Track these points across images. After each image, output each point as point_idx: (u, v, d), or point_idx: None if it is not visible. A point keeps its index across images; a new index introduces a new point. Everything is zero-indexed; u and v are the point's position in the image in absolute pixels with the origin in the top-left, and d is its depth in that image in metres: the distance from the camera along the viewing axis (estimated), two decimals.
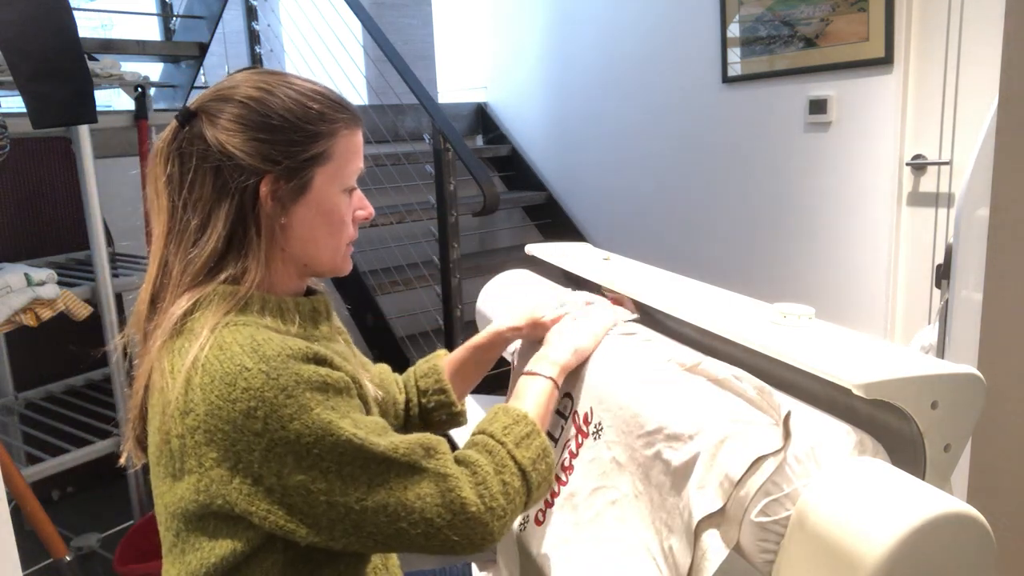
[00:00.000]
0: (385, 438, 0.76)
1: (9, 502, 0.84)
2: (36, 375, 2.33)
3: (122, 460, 0.87)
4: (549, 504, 0.97)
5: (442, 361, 1.12)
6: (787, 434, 0.70)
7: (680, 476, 0.77)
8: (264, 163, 0.81)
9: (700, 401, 0.80)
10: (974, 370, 0.72)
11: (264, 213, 0.82)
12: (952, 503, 0.60)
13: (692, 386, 0.82)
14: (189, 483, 0.74)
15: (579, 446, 0.95)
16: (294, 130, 0.82)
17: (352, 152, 0.87)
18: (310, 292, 0.93)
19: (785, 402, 0.75)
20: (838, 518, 0.62)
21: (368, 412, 0.81)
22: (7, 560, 0.68)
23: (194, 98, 0.85)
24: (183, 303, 0.79)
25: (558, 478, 0.96)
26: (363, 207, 0.91)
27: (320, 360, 0.76)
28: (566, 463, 0.96)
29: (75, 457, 1.87)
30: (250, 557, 0.76)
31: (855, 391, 0.68)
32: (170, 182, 0.82)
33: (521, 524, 1.00)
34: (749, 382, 0.78)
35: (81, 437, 1.97)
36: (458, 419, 1.12)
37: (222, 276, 0.80)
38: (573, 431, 0.96)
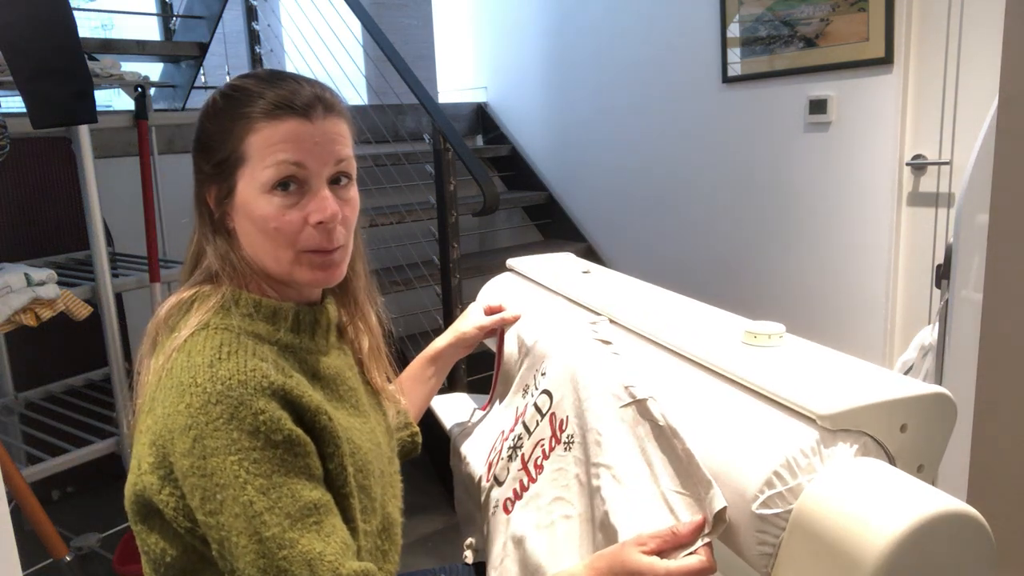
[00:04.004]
0: (289, 530, 0.69)
1: (9, 502, 0.84)
2: (36, 375, 2.33)
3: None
4: (518, 496, 0.97)
5: None
6: (719, 521, 0.70)
7: (608, 523, 0.80)
8: (198, 174, 0.82)
9: (647, 454, 0.80)
10: (943, 390, 0.71)
11: (216, 219, 0.83)
12: (952, 503, 0.60)
13: (642, 433, 0.82)
14: (129, 481, 0.75)
15: (551, 449, 0.95)
16: (207, 135, 0.81)
17: (267, 147, 0.77)
18: (326, 298, 0.90)
19: (770, 414, 0.74)
20: (838, 516, 0.62)
21: (332, 456, 0.76)
22: (7, 560, 0.68)
23: None
24: (172, 300, 0.81)
25: (528, 474, 0.97)
26: (318, 209, 0.78)
27: (280, 395, 0.72)
28: (538, 461, 0.96)
29: (75, 457, 1.87)
30: (206, 561, 0.74)
31: (820, 422, 0.68)
32: None
33: (493, 509, 1.01)
34: (681, 442, 0.77)
35: (81, 437, 1.97)
36: (416, 440, 1.12)
37: (201, 277, 0.82)
38: (548, 432, 0.96)
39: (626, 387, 0.86)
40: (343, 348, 0.93)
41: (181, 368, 0.73)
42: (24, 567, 1.03)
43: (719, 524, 0.70)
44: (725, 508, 0.70)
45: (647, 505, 0.77)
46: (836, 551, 0.61)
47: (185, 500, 0.71)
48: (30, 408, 2.24)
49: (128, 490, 0.76)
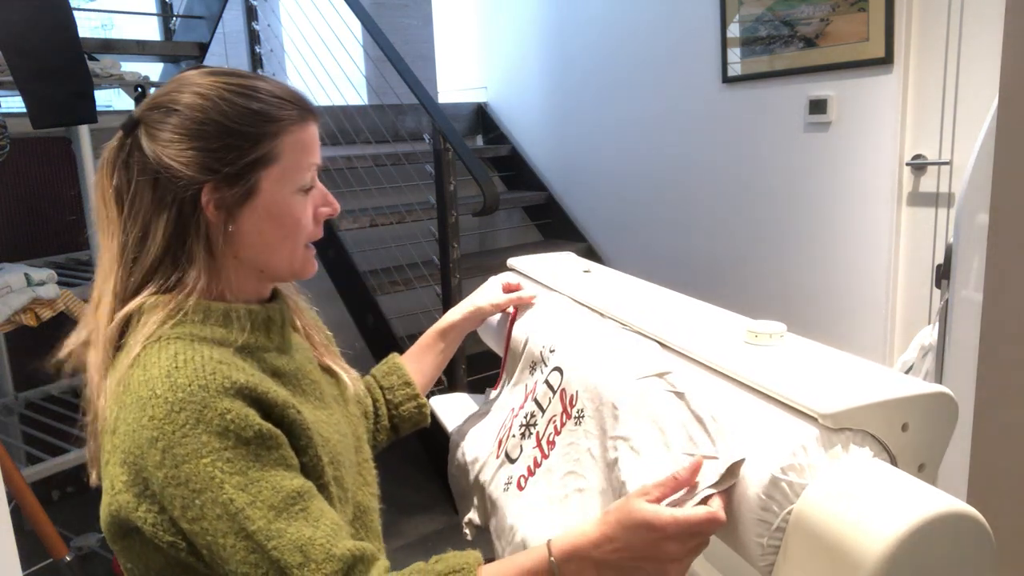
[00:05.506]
0: (275, 521, 0.68)
1: (9, 502, 0.84)
2: (36, 375, 2.33)
3: (92, 478, 0.82)
4: (532, 472, 0.98)
5: (399, 359, 1.14)
6: (730, 474, 0.70)
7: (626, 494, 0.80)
8: (201, 172, 0.77)
9: (664, 422, 0.80)
10: (945, 389, 0.71)
11: (207, 222, 0.79)
12: (952, 503, 0.60)
13: (660, 402, 0.82)
14: (104, 503, 0.75)
15: (563, 425, 0.96)
16: (230, 134, 0.77)
17: (302, 150, 0.81)
18: (275, 296, 0.89)
19: (772, 412, 0.75)
20: (839, 516, 0.62)
21: (305, 449, 0.77)
22: (7, 560, 0.68)
23: (142, 103, 0.82)
24: (117, 318, 0.77)
25: (542, 450, 0.98)
26: (326, 204, 0.86)
27: (245, 394, 0.72)
28: (551, 437, 0.97)
29: (75, 457, 1.88)
30: (190, 571, 0.74)
31: (821, 420, 0.68)
32: (117, 194, 0.79)
33: (505, 485, 1.01)
34: (706, 403, 0.77)
35: (81, 437, 1.96)
36: (423, 411, 1.13)
37: (153, 287, 0.78)
38: (559, 408, 0.97)
39: (646, 361, 0.87)
40: (299, 342, 0.93)
41: (138, 383, 0.72)
42: (24, 567, 1.03)
43: (729, 477, 0.70)
44: (742, 460, 0.69)
45: (662, 471, 0.77)
46: (836, 551, 0.61)
47: (164, 514, 0.70)
48: (30, 408, 2.24)
49: (104, 511, 0.75)
